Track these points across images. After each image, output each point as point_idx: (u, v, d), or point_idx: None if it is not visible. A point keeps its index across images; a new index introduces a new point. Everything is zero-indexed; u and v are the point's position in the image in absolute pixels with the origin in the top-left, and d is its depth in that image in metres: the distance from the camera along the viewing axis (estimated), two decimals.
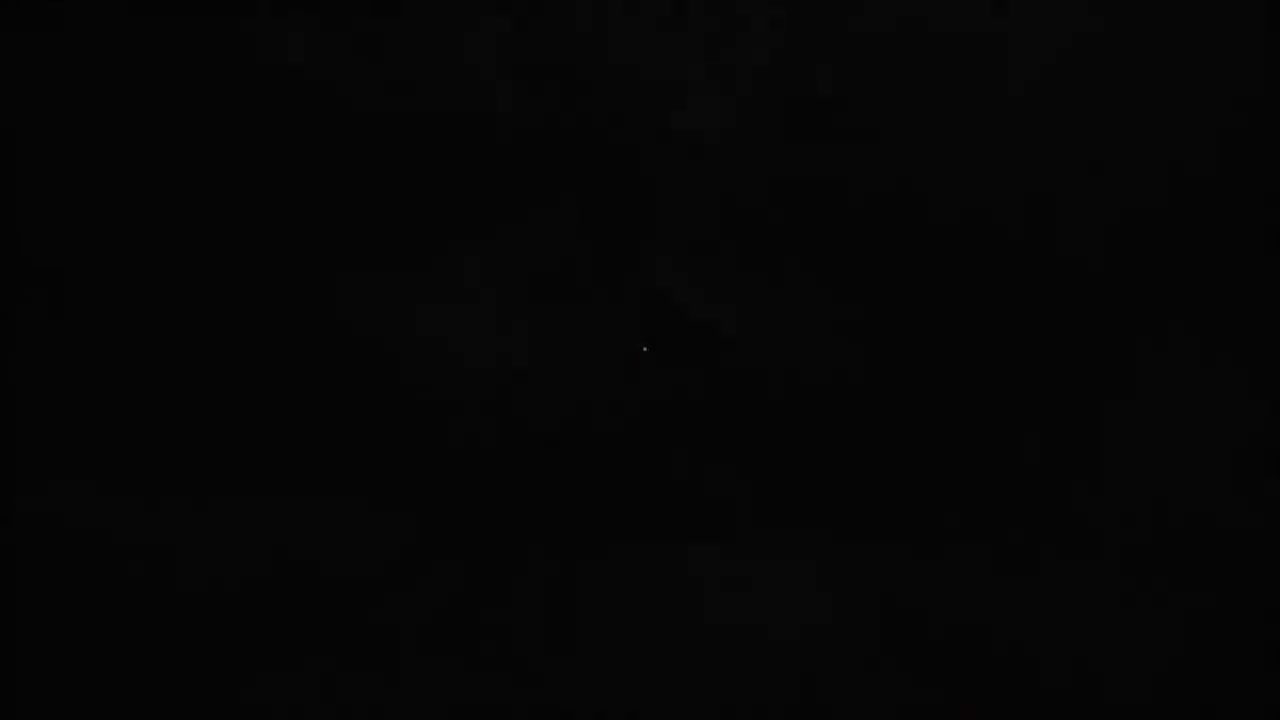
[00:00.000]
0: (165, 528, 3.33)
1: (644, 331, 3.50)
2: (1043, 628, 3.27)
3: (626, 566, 3.35)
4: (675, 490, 3.41)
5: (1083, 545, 3.33)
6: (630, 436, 3.44)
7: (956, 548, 3.34)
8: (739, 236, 3.49)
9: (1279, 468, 3.33)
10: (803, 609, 3.32)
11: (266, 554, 3.32)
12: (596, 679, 3.24)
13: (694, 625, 3.30)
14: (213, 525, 3.34)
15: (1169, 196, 3.44)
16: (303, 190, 3.47)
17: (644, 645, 3.27)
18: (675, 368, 3.48)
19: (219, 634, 3.27)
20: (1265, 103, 3.42)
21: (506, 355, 3.47)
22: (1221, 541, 3.30)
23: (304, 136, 3.47)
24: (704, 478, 3.42)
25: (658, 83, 3.47)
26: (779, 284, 3.49)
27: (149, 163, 3.45)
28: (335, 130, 3.47)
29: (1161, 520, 3.32)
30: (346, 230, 3.48)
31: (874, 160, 3.48)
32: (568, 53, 3.46)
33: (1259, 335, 3.39)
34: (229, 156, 3.46)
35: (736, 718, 3.22)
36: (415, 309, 3.46)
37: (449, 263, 3.48)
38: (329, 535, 3.34)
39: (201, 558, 3.32)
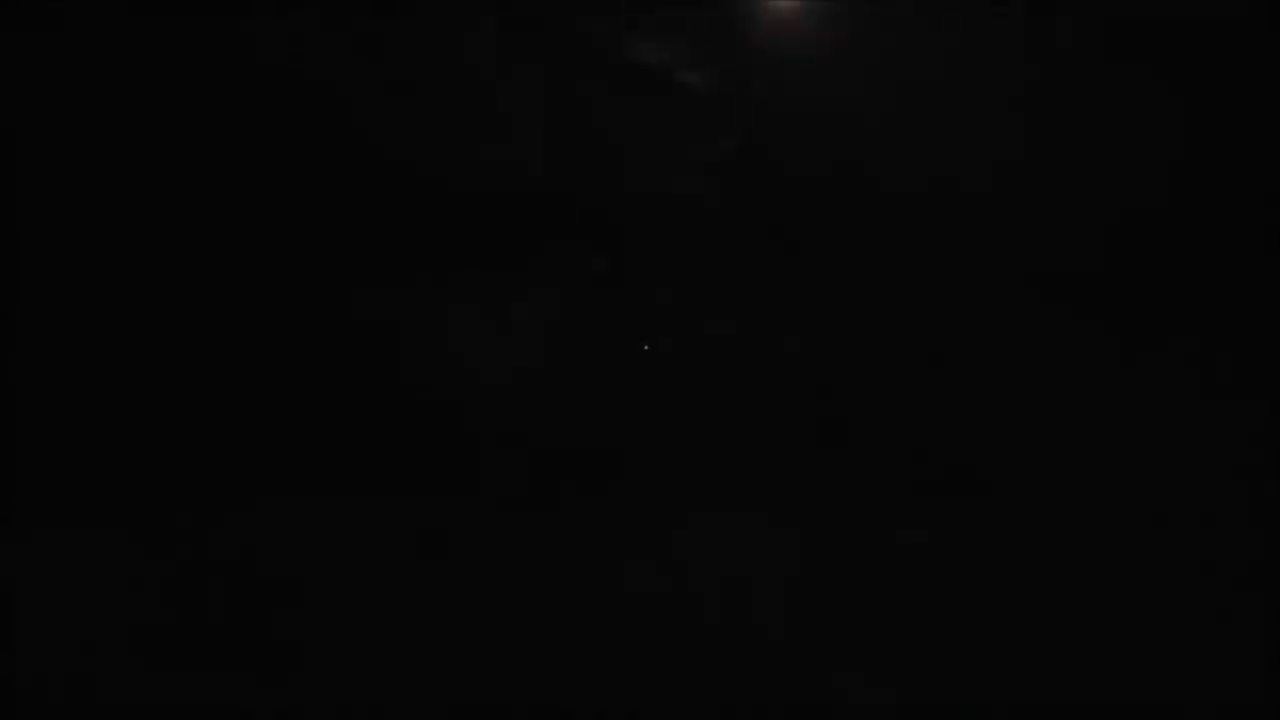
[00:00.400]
0: (165, 527, 3.34)
1: (644, 332, 3.50)
2: (1041, 627, 3.27)
3: (625, 565, 3.35)
4: (674, 489, 3.41)
5: (1082, 544, 3.33)
6: (629, 435, 3.45)
7: (954, 546, 3.35)
8: (735, 246, 3.51)
9: (1279, 468, 3.33)
10: (802, 608, 3.33)
11: (266, 553, 3.32)
12: (596, 679, 3.24)
13: (693, 624, 3.30)
14: (212, 524, 3.34)
15: (1169, 196, 3.44)
16: (302, 190, 3.47)
17: (644, 645, 3.27)
18: (674, 367, 3.49)
19: (218, 634, 3.27)
20: (1265, 103, 3.42)
21: (509, 356, 3.47)
22: (1221, 541, 3.30)
23: (303, 136, 3.47)
24: (702, 475, 3.42)
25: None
26: (779, 284, 3.50)
27: (149, 163, 3.45)
28: (335, 130, 3.47)
29: (1161, 520, 3.33)
30: (346, 230, 3.48)
31: (873, 161, 3.48)
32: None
33: (1259, 335, 3.39)
34: (229, 156, 3.46)
35: (736, 718, 3.22)
36: (419, 310, 3.47)
37: (450, 264, 3.49)
38: (330, 534, 3.34)
39: (201, 557, 3.32)
